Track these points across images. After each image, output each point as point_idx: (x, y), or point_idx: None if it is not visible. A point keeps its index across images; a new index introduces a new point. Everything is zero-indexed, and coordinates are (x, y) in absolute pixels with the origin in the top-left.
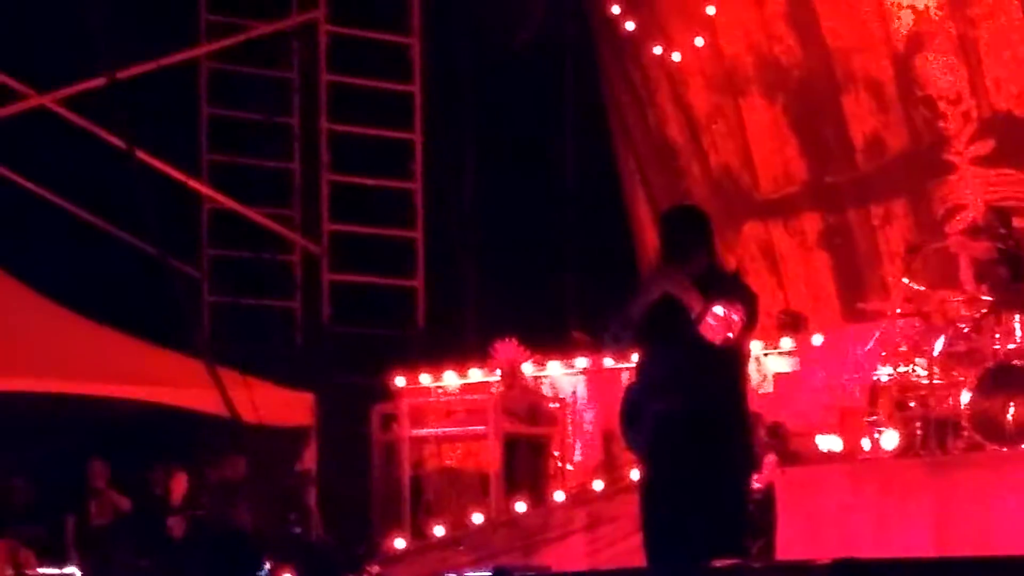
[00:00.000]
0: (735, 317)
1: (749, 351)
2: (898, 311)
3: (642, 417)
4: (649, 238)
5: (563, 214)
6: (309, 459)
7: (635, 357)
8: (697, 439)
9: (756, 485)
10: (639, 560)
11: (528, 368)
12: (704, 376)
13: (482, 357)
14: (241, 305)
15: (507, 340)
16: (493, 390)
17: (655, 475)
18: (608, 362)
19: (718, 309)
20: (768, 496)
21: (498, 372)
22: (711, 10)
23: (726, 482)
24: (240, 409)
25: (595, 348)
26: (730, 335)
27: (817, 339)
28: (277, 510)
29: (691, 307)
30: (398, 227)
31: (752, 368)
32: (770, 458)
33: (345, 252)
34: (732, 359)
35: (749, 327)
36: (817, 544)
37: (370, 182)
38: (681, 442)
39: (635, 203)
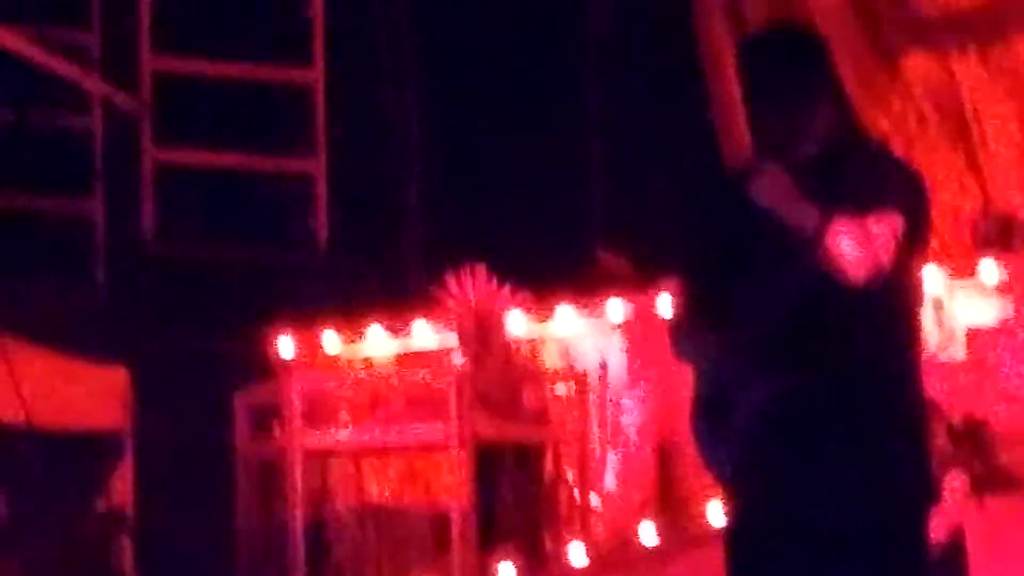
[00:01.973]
0: (885, 231)
1: (919, 287)
2: None
3: (731, 412)
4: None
5: (583, 44)
6: (119, 489)
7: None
8: (828, 448)
9: (934, 530)
10: None
11: (517, 322)
12: (835, 337)
13: (433, 302)
14: None
15: (470, 270)
16: (455, 362)
17: (754, 514)
18: (666, 307)
19: (853, 222)
20: (954, 548)
21: (456, 330)
22: None
23: (881, 525)
24: None
25: (639, 279)
26: (879, 263)
27: None
28: None
29: (799, 225)
30: (281, 65)
31: (925, 319)
32: (957, 481)
33: (185, 105)
34: (885, 304)
35: (915, 245)
36: None
37: None
38: (801, 455)
39: (710, 26)
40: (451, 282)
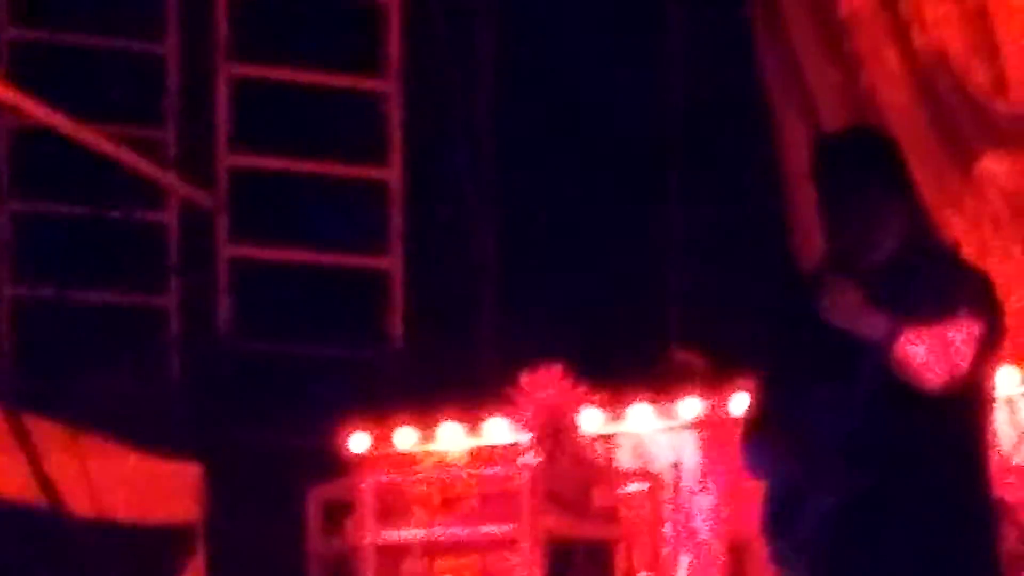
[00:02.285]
0: (960, 340)
1: (991, 391)
2: None
3: (802, 515)
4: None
5: (660, 148)
6: None
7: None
8: (894, 553)
9: None
10: None
11: (591, 419)
12: (906, 442)
13: (507, 399)
14: (67, 303)
15: (545, 370)
16: (528, 459)
17: None
18: (741, 406)
19: (926, 329)
20: None
21: (529, 428)
22: None
23: None
24: (65, 494)
25: (714, 377)
26: (955, 371)
27: None
28: None
29: (870, 336)
30: (360, 162)
31: (998, 420)
32: None
33: (258, 206)
34: (958, 410)
35: (989, 351)
36: None
37: (303, 78)
38: (870, 557)
39: (785, 125)
40: (526, 379)
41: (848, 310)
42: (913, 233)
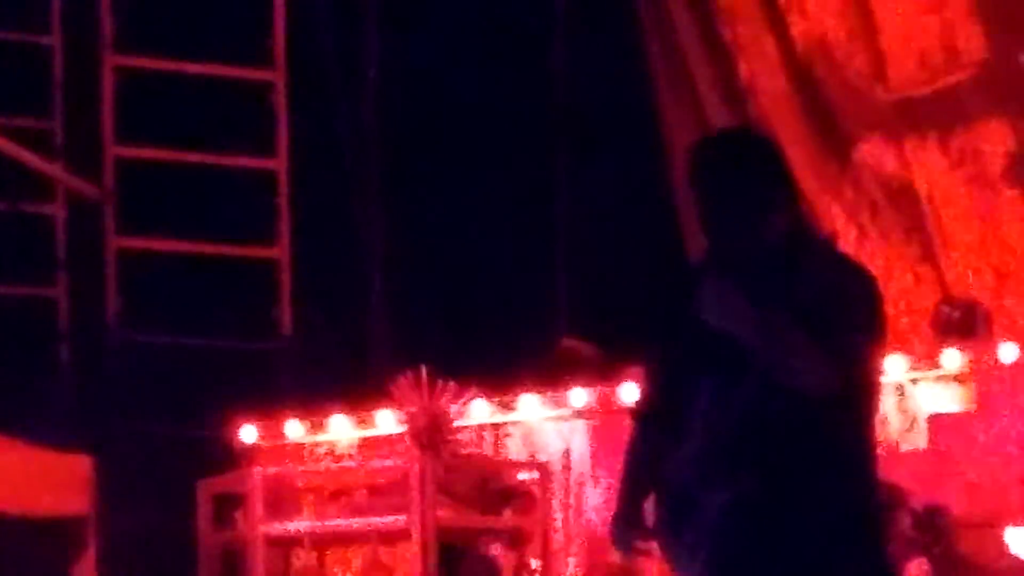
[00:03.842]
0: (842, 343)
1: (877, 380)
2: None
3: (694, 515)
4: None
5: (550, 132)
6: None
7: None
8: (788, 550)
9: None
10: None
11: (480, 410)
12: (789, 443)
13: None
14: None
15: (412, 376)
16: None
17: None
18: (631, 395)
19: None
20: None
21: (408, 433)
22: None
23: None
24: None
25: (604, 366)
26: (831, 380)
27: (1008, 351)
28: None
29: (751, 340)
30: (245, 152)
31: (887, 406)
32: (919, 564)
33: (146, 197)
34: (842, 409)
35: (873, 349)
36: None
37: (189, 69)
38: (762, 557)
39: (672, 120)
40: (395, 388)
41: (728, 314)
42: (793, 230)
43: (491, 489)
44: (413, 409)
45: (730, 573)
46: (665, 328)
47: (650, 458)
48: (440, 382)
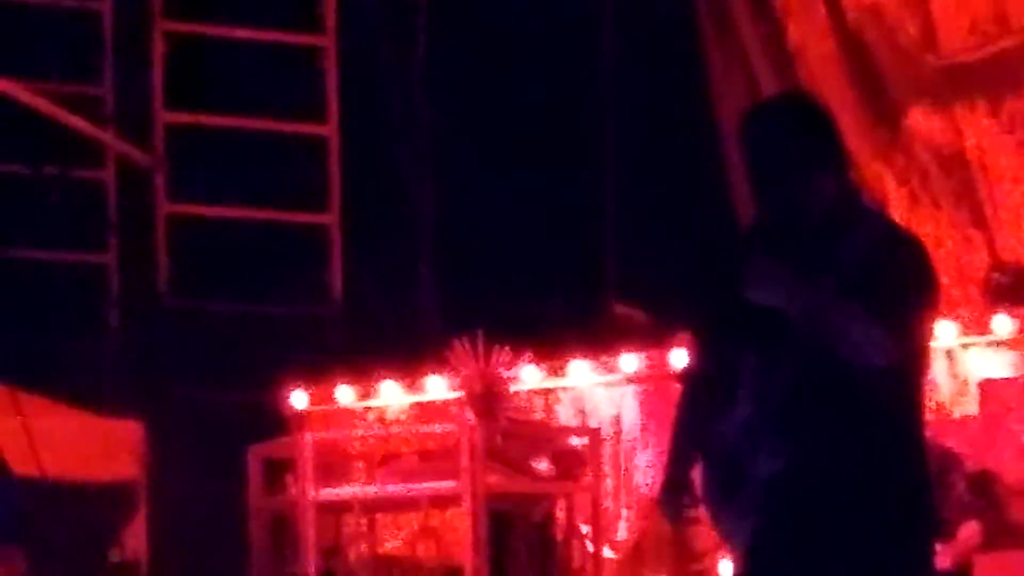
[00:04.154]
0: (899, 313)
1: (927, 347)
2: None
3: (743, 484)
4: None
5: (594, 106)
6: (134, 542)
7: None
8: (836, 518)
9: (940, 560)
10: None
11: (531, 375)
12: (838, 414)
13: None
14: (5, 261)
15: (470, 342)
16: (467, 415)
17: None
18: (681, 361)
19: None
20: None
21: (465, 397)
22: None
23: (884, 551)
24: (6, 454)
25: (654, 332)
26: (886, 348)
27: None
28: None
29: (800, 312)
30: (296, 118)
31: (938, 372)
32: (971, 526)
33: (200, 160)
34: (893, 380)
35: (923, 311)
36: None
37: (241, 34)
38: (809, 527)
39: (720, 82)
40: (452, 354)
41: (779, 292)
42: (841, 195)
43: (542, 454)
44: (469, 374)
45: (778, 542)
46: (714, 295)
47: (699, 424)
48: (496, 348)
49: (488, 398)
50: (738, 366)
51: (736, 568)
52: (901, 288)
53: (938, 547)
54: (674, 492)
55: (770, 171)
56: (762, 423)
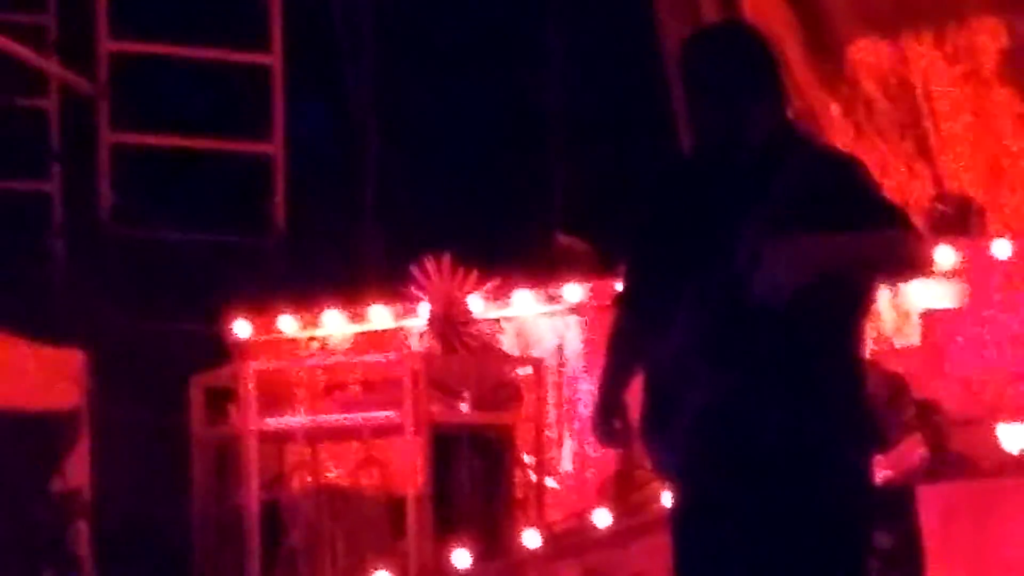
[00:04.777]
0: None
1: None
2: None
3: (678, 412)
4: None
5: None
6: (75, 472)
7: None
8: (769, 450)
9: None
10: None
11: (476, 305)
12: (769, 342)
13: (392, 286)
14: None
15: (436, 259)
16: (415, 345)
17: (696, 499)
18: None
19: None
20: (904, 501)
21: (423, 315)
22: None
23: (822, 492)
24: None
25: (597, 263)
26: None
27: (1002, 248)
28: (19, 565)
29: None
30: (242, 47)
31: (880, 303)
32: (914, 440)
33: (142, 88)
34: (825, 307)
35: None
36: None
37: None
38: (741, 457)
39: (666, 16)
40: (417, 269)
41: (803, 269)
42: (779, 130)
43: (485, 384)
44: (434, 295)
45: (714, 468)
46: (647, 224)
47: (632, 347)
48: (462, 269)
49: (449, 321)
50: (671, 296)
51: (673, 497)
52: (871, 196)
53: (880, 459)
54: (605, 415)
55: (707, 100)
56: (696, 352)
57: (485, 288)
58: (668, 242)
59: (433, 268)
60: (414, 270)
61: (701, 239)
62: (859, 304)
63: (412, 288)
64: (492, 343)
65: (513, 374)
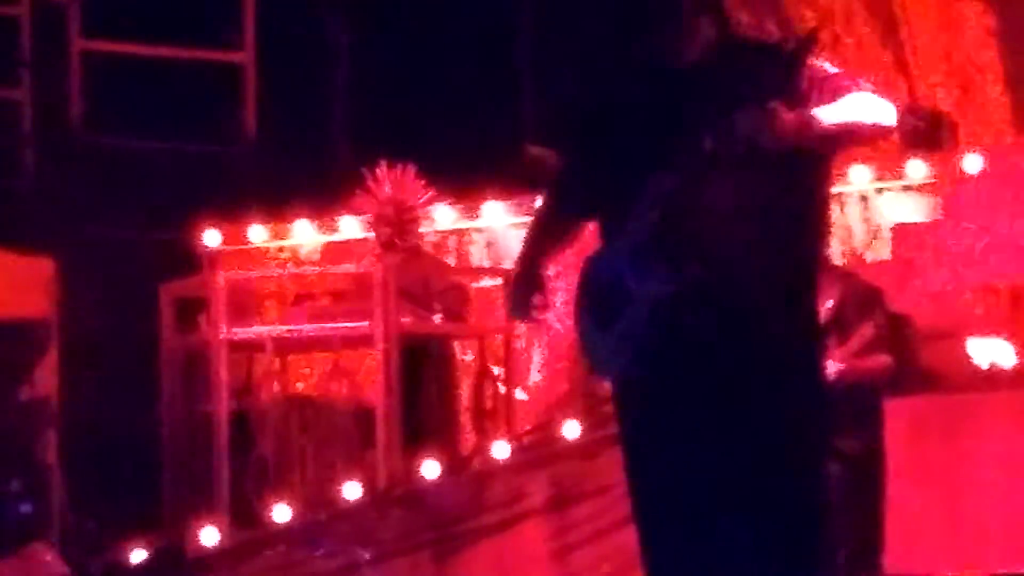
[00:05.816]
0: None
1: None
2: None
3: (628, 307)
4: None
5: None
6: (44, 381)
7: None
8: (728, 339)
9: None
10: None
11: (445, 216)
12: (731, 222)
13: (354, 194)
14: None
15: (393, 167)
16: (372, 253)
17: (649, 413)
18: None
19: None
20: (873, 410)
21: (372, 220)
22: None
23: (780, 384)
24: None
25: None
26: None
27: (973, 162)
28: None
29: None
30: None
31: (851, 216)
32: (880, 360)
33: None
34: (790, 184)
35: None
36: (962, 526)
37: None
38: (698, 350)
39: None
40: (372, 175)
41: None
42: (723, 39)
43: (452, 294)
44: (381, 198)
45: (667, 358)
46: (593, 118)
47: (564, 228)
48: (412, 175)
49: (397, 225)
50: (622, 191)
51: (617, 393)
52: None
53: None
54: (523, 287)
55: (650, 11)
56: (651, 247)
57: (444, 198)
58: (618, 139)
59: (385, 174)
60: (369, 175)
61: (653, 138)
62: (813, 201)
63: (365, 193)
64: (443, 253)
65: (482, 287)
